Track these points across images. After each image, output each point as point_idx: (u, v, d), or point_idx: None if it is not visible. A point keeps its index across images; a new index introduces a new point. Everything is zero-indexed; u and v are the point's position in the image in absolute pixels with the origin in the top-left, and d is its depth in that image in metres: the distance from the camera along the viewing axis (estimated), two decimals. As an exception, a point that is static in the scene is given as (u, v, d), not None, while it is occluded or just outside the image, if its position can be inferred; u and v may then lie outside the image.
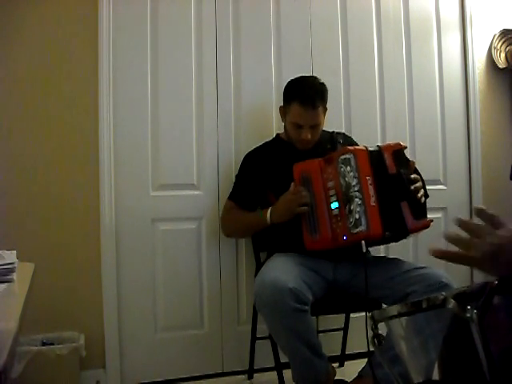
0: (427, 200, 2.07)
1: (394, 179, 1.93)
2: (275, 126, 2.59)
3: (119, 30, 2.43)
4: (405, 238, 2.01)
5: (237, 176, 2.38)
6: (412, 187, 1.95)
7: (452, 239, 0.92)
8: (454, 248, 0.94)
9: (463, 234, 0.93)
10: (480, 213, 0.91)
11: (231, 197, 2.34)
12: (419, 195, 1.97)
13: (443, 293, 0.91)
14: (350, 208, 1.88)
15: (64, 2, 2.38)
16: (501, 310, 0.87)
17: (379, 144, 2.04)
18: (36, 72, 2.33)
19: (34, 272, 1.46)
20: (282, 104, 2.30)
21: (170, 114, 2.50)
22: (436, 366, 0.97)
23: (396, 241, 2.08)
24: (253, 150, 2.37)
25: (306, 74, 2.34)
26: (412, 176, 1.98)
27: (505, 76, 3.07)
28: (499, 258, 0.86)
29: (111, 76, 2.40)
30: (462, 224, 0.92)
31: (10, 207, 2.28)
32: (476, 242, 0.89)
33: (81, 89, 2.38)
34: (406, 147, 2.04)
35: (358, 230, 1.85)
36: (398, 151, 1.99)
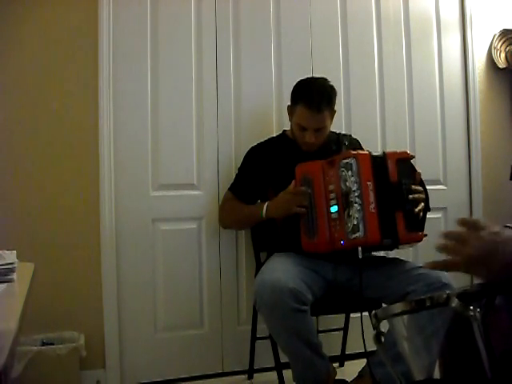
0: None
1: (394, 187, 1.91)
2: (275, 126, 2.59)
3: (119, 31, 2.43)
4: (396, 247, 1.99)
5: (239, 168, 2.38)
6: (411, 197, 1.93)
7: (439, 248, 0.95)
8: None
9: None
10: (463, 222, 0.94)
11: (231, 188, 2.35)
12: (418, 208, 1.94)
13: (447, 291, 0.91)
14: (348, 213, 1.88)
15: (64, 2, 2.38)
16: (503, 310, 0.87)
17: (385, 150, 2.02)
18: (36, 72, 2.33)
19: (34, 272, 1.46)
20: (285, 103, 2.29)
21: (169, 114, 2.50)
22: (437, 364, 0.97)
23: (387, 249, 2.07)
24: (258, 145, 2.37)
25: (316, 75, 2.32)
26: (414, 187, 1.95)
27: (505, 76, 3.07)
28: (485, 261, 0.88)
29: (111, 76, 2.40)
30: (446, 234, 0.95)
31: (10, 207, 2.28)
32: (461, 248, 0.91)
33: (81, 89, 2.38)
34: (413, 157, 2.02)
35: (355, 235, 1.85)
36: (403, 160, 1.97)
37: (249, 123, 2.59)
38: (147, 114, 2.47)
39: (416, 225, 1.95)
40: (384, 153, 1.97)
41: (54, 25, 2.36)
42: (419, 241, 1.98)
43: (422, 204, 1.97)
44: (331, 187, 1.95)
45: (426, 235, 1.97)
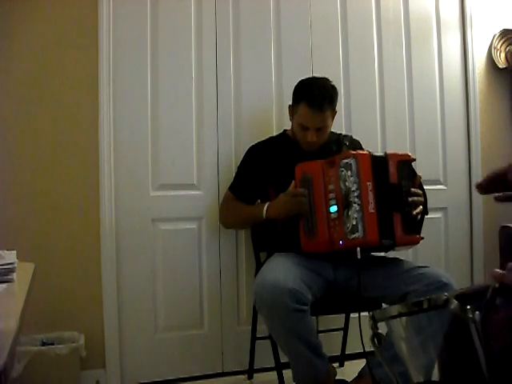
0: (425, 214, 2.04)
1: (393, 188, 1.91)
2: (275, 126, 2.59)
3: (119, 30, 2.43)
4: (392, 249, 1.99)
5: (239, 167, 2.38)
6: (410, 199, 1.93)
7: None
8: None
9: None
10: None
11: (231, 188, 2.35)
12: (416, 210, 1.94)
13: (446, 293, 0.91)
14: (348, 213, 1.87)
15: (64, 1, 2.38)
16: (500, 311, 0.87)
17: (386, 151, 2.02)
18: (36, 72, 2.33)
19: (34, 272, 1.46)
20: (283, 103, 2.30)
21: (169, 114, 2.50)
22: (436, 366, 0.97)
23: (386, 250, 2.07)
24: (257, 144, 2.37)
25: (318, 75, 2.32)
26: (413, 190, 1.95)
27: (505, 76, 3.07)
28: None
29: (111, 76, 2.40)
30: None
31: (10, 207, 2.28)
32: None
33: (80, 89, 2.38)
34: (414, 160, 2.02)
35: (354, 236, 1.85)
36: (404, 162, 1.96)
37: (249, 123, 2.59)
38: (147, 114, 2.47)
39: (413, 227, 1.95)
40: (385, 154, 1.97)
41: (53, 25, 2.35)
42: (416, 243, 1.98)
43: (421, 207, 1.97)
44: (331, 187, 1.95)
45: (422, 238, 1.97)
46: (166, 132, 2.49)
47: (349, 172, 1.89)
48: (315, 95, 2.11)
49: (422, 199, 1.98)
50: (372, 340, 1.00)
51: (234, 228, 2.51)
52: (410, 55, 2.88)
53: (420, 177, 2.00)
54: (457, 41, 3.00)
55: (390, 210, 1.89)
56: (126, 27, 2.44)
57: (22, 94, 2.32)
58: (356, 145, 2.35)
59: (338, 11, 2.76)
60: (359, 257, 1.83)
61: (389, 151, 2.04)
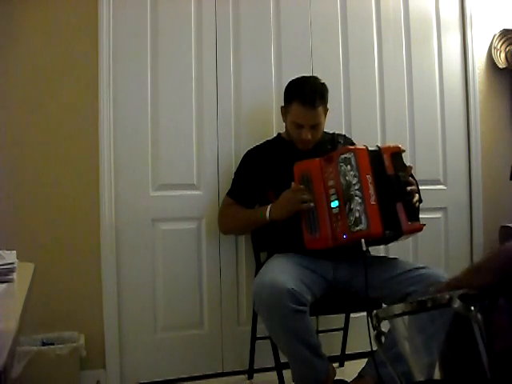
0: (421, 205, 2.07)
1: (392, 180, 1.93)
2: (275, 126, 2.59)
3: (119, 30, 2.42)
4: (396, 239, 2.00)
5: (236, 173, 2.38)
6: (408, 189, 1.95)
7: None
8: None
9: None
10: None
11: (230, 193, 2.35)
12: (415, 199, 1.97)
13: (449, 292, 0.91)
14: (350, 207, 1.88)
15: (64, 2, 2.37)
16: (504, 311, 0.87)
17: (378, 145, 2.04)
18: (36, 73, 2.33)
19: (34, 272, 1.46)
20: (282, 104, 2.31)
21: (169, 113, 2.50)
22: (438, 364, 0.96)
23: (388, 242, 2.08)
24: (254, 148, 2.38)
25: (307, 74, 2.35)
26: (409, 179, 1.98)
27: (505, 76, 3.07)
28: None
29: (111, 76, 2.40)
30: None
31: (10, 207, 2.28)
32: None
33: (81, 89, 2.38)
34: (404, 151, 2.04)
35: (358, 228, 1.85)
36: (396, 154, 1.99)
37: (249, 123, 2.59)
38: (147, 114, 2.47)
39: (414, 215, 1.97)
40: (378, 147, 1.99)
41: (53, 25, 2.35)
42: (420, 230, 1.99)
43: (417, 195, 2.00)
44: (330, 183, 1.96)
45: (424, 225, 1.98)
46: (166, 132, 2.49)
47: (348, 166, 1.90)
48: (307, 93, 2.15)
49: (416, 188, 2.01)
50: (375, 339, 1.00)
51: (234, 233, 2.50)
52: (410, 55, 2.88)
53: (411, 167, 2.03)
54: (457, 41, 3.00)
55: (393, 201, 1.91)
56: (125, 27, 2.44)
57: (21, 95, 2.32)
58: (350, 143, 2.37)
59: (338, 11, 2.76)
60: (364, 248, 1.84)
61: (380, 145, 2.06)
